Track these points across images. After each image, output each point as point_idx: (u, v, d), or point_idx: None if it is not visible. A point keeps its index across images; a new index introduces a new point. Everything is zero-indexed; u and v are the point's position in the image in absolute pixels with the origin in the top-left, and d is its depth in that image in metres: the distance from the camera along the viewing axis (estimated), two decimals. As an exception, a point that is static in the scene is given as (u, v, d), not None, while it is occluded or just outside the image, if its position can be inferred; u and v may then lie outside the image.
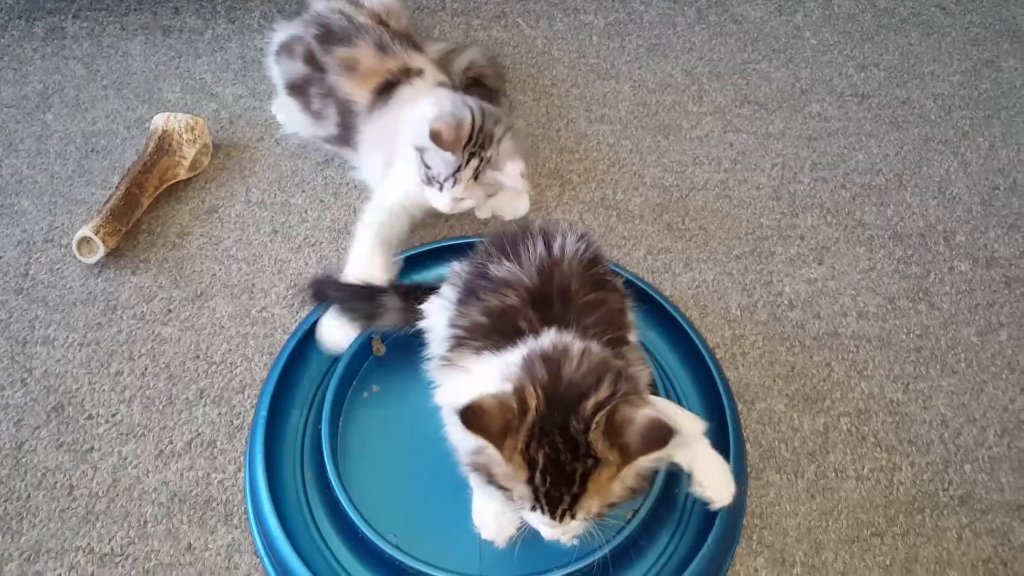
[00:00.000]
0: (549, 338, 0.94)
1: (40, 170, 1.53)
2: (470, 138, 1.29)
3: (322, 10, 1.48)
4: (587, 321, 0.97)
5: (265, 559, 1.09)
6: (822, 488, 1.20)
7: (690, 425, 1.07)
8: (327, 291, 1.23)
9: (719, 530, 1.06)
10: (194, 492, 1.16)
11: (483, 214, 1.46)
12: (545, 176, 1.54)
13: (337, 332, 1.21)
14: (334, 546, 1.08)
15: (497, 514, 1.03)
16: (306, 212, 1.49)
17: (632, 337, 1.04)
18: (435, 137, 1.25)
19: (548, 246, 1.02)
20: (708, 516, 1.08)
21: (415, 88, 1.40)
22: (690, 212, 1.51)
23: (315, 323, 1.22)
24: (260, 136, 1.60)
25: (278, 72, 1.50)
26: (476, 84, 1.60)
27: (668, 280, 1.41)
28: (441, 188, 1.31)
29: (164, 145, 1.49)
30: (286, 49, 1.48)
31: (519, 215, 1.47)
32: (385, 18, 1.52)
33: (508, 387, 0.89)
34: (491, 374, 0.93)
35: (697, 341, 1.24)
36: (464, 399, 0.86)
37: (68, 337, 1.31)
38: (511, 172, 1.31)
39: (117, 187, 1.43)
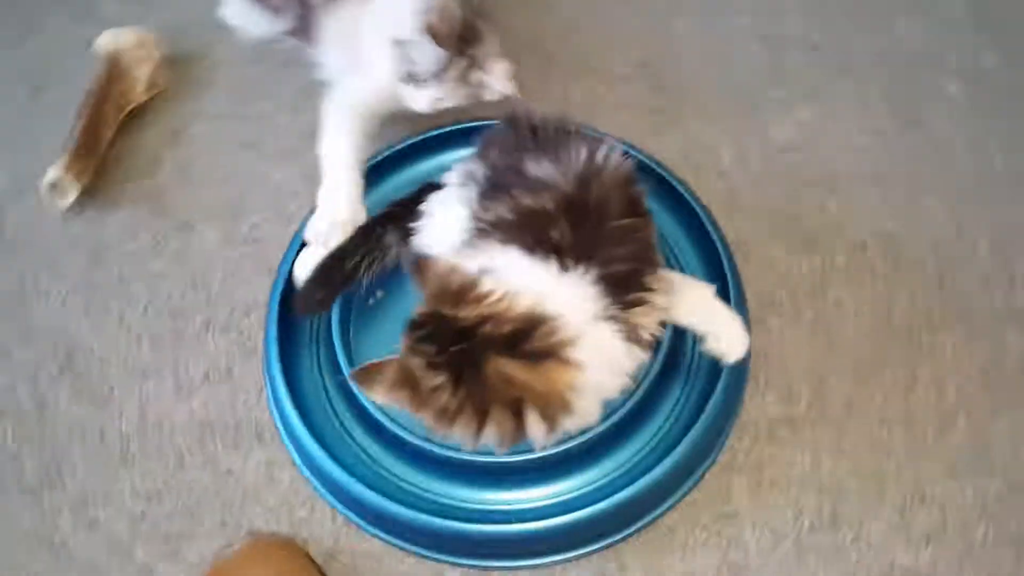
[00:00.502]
0: (558, 304, 0.91)
1: (-12, 117, 1.49)
2: (460, 33, 1.24)
3: None
4: (616, 252, 0.95)
5: (304, 469, 1.17)
6: (824, 326, 1.26)
7: (701, 290, 1.10)
8: (317, 294, 1.18)
9: (728, 374, 1.13)
10: (222, 418, 1.22)
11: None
12: (522, 50, 1.49)
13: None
14: (367, 446, 1.16)
15: None
16: (276, 119, 1.47)
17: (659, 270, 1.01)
18: (431, 29, 1.20)
19: (592, 152, 0.99)
20: (716, 363, 1.13)
21: None
22: (673, 67, 1.49)
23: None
24: (213, 43, 1.55)
25: None
26: None
27: (655, 141, 1.41)
28: (422, 86, 1.26)
29: (115, 68, 1.45)
30: None
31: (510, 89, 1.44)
32: None
33: (485, 289, 0.90)
34: (518, 270, 0.94)
35: (690, 199, 1.26)
36: None
37: (62, 287, 1.33)
38: (498, 73, 1.27)
39: (76, 122, 1.40)
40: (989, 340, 1.24)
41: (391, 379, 0.91)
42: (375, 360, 0.94)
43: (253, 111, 1.47)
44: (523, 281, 0.92)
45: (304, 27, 1.39)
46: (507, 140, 1.06)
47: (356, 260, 1.18)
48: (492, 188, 1.03)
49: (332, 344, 1.18)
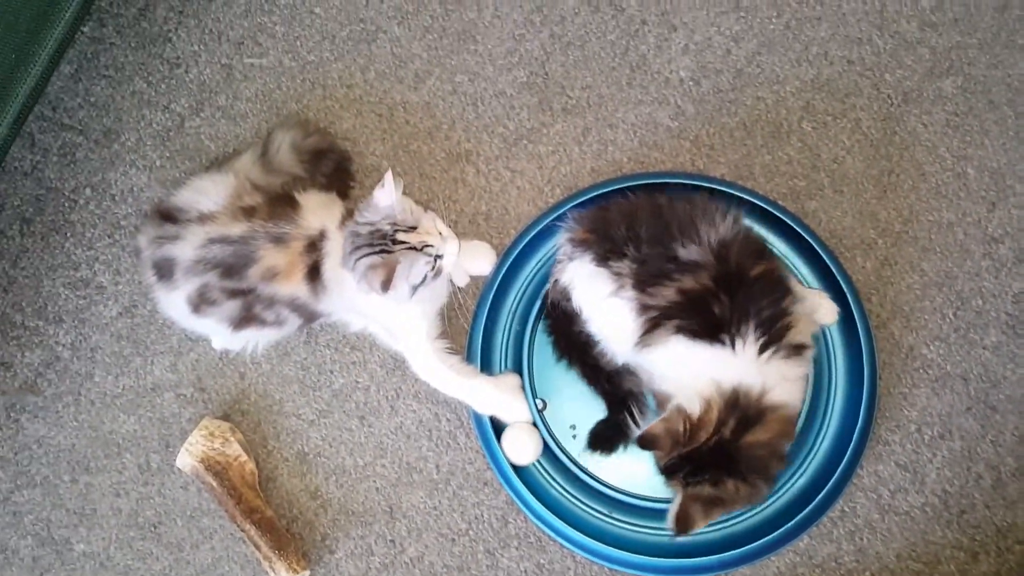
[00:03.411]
0: (739, 372, 1.06)
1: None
2: (380, 251, 1.17)
3: (198, 254, 1.22)
4: (763, 302, 1.07)
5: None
6: (838, 182, 1.40)
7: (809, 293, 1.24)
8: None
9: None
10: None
11: (462, 281, 1.39)
12: (442, 167, 1.44)
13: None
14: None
15: None
16: (357, 381, 1.41)
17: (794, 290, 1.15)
18: (387, 285, 1.15)
19: (718, 227, 1.10)
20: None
21: (333, 257, 1.22)
22: (566, 82, 1.46)
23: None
24: (241, 374, 1.42)
25: (211, 322, 1.27)
26: (316, 159, 1.40)
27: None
28: (441, 264, 1.21)
29: (216, 469, 1.33)
30: (203, 300, 1.24)
31: (489, 268, 1.38)
32: (243, 203, 1.25)
33: (695, 408, 1.05)
34: (695, 363, 1.07)
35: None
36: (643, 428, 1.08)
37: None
38: (385, 200, 1.19)
39: (243, 531, 1.32)
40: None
41: (701, 511, 1.07)
42: (674, 510, 1.08)
43: (336, 392, 1.40)
44: (707, 369, 1.07)
45: (310, 318, 1.30)
46: (641, 232, 1.13)
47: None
48: (651, 276, 1.11)
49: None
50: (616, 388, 1.24)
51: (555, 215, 1.36)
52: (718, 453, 1.05)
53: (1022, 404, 1.31)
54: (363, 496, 1.37)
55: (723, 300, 1.07)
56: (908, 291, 1.36)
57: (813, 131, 1.42)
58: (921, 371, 1.33)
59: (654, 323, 1.11)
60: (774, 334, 1.08)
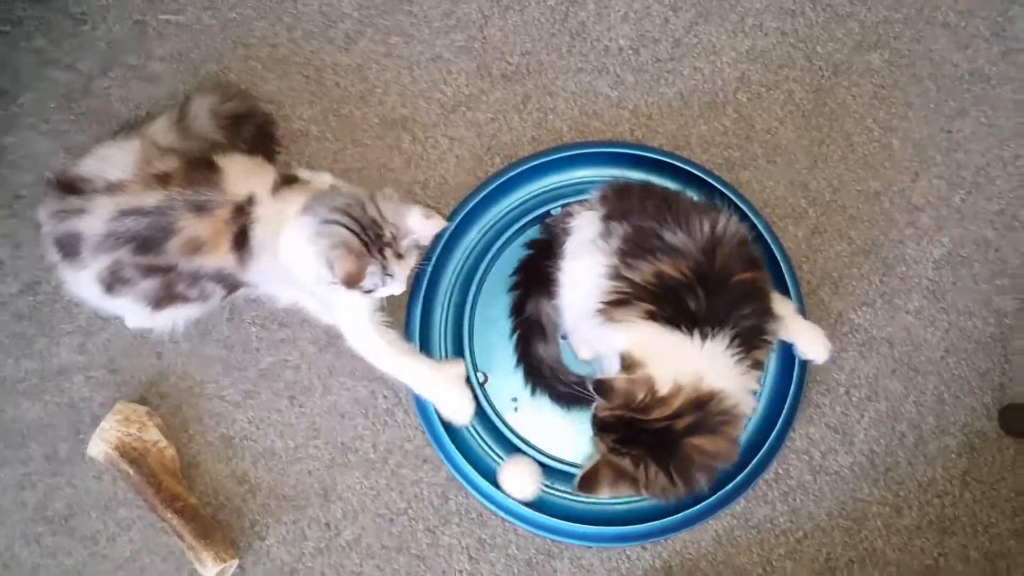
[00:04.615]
0: (711, 376, 1.02)
1: None
2: (366, 244, 1.11)
3: (109, 228, 1.13)
4: (742, 311, 1.05)
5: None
6: (771, 152, 1.42)
7: (786, 309, 1.21)
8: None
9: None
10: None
11: None
12: (376, 133, 1.38)
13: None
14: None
15: None
16: (287, 360, 1.35)
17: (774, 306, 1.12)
18: (350, 282, 1.09)
19: (713, 224, 1.07)
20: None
21: (265, 223, 1.15)
22: (505, 47, 1.43)
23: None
24: (159, 354, 1.34)
25: (127, 302, 1.18)
26: (236, 124, 1.32)
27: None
28: (376, 292, 1.17)
29: (133, 456, 1.25)
30: (116, 279, 1.15)
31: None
32: (155, 170, 1.16)
33: (664, 386, 1.01)
34: (665, 352, 1.03)
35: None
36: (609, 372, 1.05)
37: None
38: (418, 224, 1.15)
39: (164, 521, 1.24)
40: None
41: (611, 479, 1.04)
42: (586, 468, 1.05)
43: (263, 371, 1.34)
44: (677, 359, 1.03)
45: (234, 288, 1.22)
46: (647, 206, 1.11)
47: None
48: (635, 247, 1.08)
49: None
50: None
51: (495, 184, 1.33)
52: (659, 437, 1.01)
53: (941, 365, 1.37)
54: (295, 479, 1.32)
55: (699, 296, 1.04)
56: (837, 258, 1.39)
57: (748, 102, 1.44)
58: (849, 335, 1.37)
59: (623, 299, 1.07)
60: (750, 345, 1.06)
